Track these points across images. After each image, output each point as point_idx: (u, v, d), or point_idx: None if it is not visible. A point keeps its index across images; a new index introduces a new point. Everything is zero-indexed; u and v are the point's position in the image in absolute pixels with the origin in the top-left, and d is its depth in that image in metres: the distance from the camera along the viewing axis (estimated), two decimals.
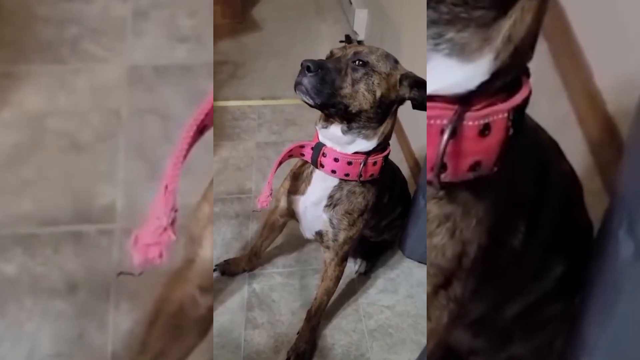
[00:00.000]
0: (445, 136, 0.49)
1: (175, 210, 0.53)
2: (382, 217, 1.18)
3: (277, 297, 1.22)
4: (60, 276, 0.90)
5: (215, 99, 2.00)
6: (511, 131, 0.51)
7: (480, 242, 0.59)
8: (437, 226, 0.56)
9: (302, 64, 0.74)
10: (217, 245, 1.34)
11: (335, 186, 0.89)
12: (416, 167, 1.66)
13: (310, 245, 1.36)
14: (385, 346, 1.13)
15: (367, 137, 0.82)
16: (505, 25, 0.47)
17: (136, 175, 0.99)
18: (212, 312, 0.68)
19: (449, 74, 0.47)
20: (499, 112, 0.50)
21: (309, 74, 0.74)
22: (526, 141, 0.62)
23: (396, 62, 0.82)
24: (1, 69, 1.07)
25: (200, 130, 0.56)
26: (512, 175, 0.59)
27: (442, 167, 0.51)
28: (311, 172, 0.91)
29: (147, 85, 1.03)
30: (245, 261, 1.25)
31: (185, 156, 0.54)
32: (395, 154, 1.73)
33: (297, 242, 1.36)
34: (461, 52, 0.46)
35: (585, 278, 0.80)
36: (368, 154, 0.84)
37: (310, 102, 0.76)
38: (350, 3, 2.45)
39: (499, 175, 0.54)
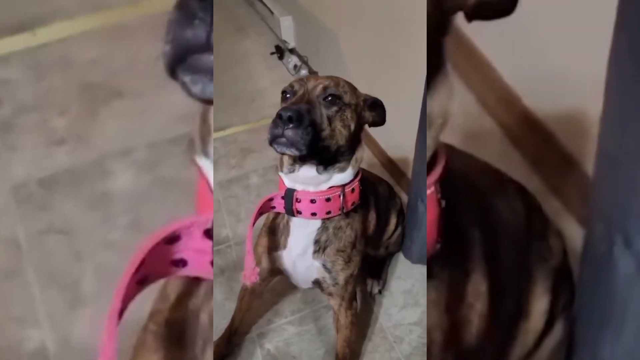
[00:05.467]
0: None
1: None
2: (380, 235, 1.12)
3: (296, 351, 1.08)
4: None
5: None
6: (444, 203, 0.55)
7: (442, 326, 0.59)
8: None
9: (279, 115, 0.67)
10: None
11: (319, 228, 0.82)
12: (390, 163, 1.57)
13: None
14: None
15: (343, 170, 0.78)
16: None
17: (57, 307, 0.87)
18: None
19: None
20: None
21: (291, 125, 0.67)
22: (465, 197, 0.63)
23: (354, 88, 0.80)
24: None
25: (140, 282, 0.45)
26: (456, 242, 0.59)
27: None
28: (287, 222, 0.84)
29: (38, 203, 0.89)
30: (224, 345, 1.07)
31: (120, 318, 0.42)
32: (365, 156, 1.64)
33: None
34: None
35: (580, 299, 0.79)
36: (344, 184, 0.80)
37: (296, 154, 0.69)
38: (272, 13, 2.35)
39: (442, 249, 0.56)
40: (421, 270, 1.26)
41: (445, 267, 0.59)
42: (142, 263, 0.44)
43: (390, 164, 1.57)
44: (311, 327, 1.13)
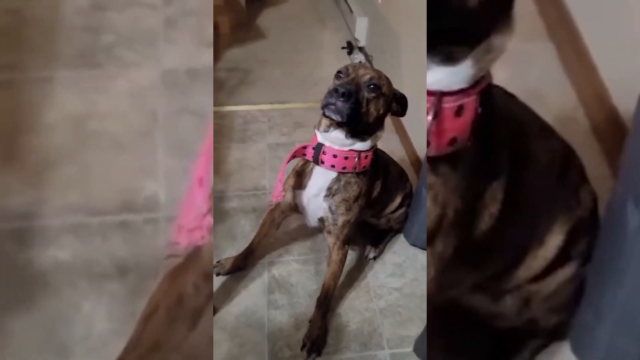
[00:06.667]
0: (429, 117, 0.63)
1: (211, 197, 0.59)
2: (383, 205, 1.31)
3: (294, 281, 1.32)
4: (111, 261, 0.99)
5: (226, 104, 2.11)
6: (480, 110, 0.66)
7: (456, 207, 0.71)
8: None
9: (336, 89, 0.89)
10: (237, 237, 1.44)
11: (334, 179, 1.04)
12: (417, 162, 1.76)
13: (322, 235, 1.47)
14: (395, 323, 1.23)
15: (364, 140, 1.00)
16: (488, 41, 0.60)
17: (174, 169, 1.09)
18: (212, 299, 0.68)
19: (436, 74, 0.62)
20: (470, 96, 0.65)
21: (342, 99, 0.89)
22: (500, 119, 0.74)
23: (390, 83, 1.00)
24: (43, 74, 1.18)
25: None
26: (484, 148, 0.71)
27: (427, 143, 0.65)
28: (312, 169, 1.07)
29: (180, 88, 1.14)
30: (241, 260, 1.31)
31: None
32: (398, 152, 1.85)
33: (311, 232, 1.46)
34: (449, 59, 0.61)
35: (596, 248, 0.91)
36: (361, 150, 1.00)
37: (339, 119, 0.91)
38: (351, 11, 2.57)
39: (472, 149, 0.68)
40: (415, 251, 1.45)
41: (473, 165, 0.70)
42: None
43: (418, 163, 1.76)
44: (311, 268, 1.36)
